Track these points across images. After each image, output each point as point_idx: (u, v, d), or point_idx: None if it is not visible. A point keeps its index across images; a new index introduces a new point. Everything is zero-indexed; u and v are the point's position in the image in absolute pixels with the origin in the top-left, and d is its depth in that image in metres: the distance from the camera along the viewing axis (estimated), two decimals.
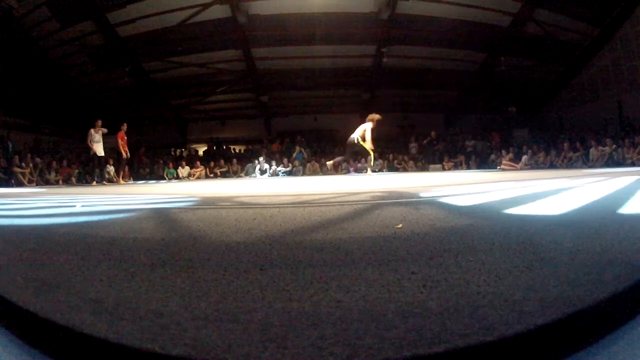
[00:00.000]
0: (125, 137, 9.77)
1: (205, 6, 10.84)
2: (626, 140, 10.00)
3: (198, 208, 2.50)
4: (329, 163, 9.47)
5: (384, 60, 13.17)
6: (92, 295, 0.70)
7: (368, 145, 7.48)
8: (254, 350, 0.47)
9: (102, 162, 9.58)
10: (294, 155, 14.35)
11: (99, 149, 9.13)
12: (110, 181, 10.25)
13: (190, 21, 11.27)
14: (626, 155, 9.67)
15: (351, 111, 15.64)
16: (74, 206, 2.85)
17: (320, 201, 2.69)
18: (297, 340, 0.49)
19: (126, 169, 11.54)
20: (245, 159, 14.37)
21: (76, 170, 11.65)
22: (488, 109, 15.91)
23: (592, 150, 10.47)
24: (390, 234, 1.21)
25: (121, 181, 9.94)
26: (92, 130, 9.07)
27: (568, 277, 0.69)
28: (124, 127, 9.74)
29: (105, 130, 9.19)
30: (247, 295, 0.68)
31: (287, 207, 2.28)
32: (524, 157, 11.36)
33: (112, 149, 10.52)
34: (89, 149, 9.29)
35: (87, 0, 10.37)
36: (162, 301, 0.66)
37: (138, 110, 15.55)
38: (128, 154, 10.07)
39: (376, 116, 7.63)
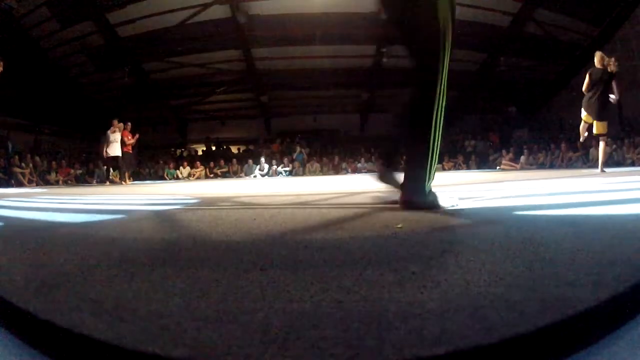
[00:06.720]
0: (130, 135, 9.76)
1: (205, 6, 10.86)
2: (626, 140, 10.00)
3: (198, 208, 2.50)
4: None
5: (384, 60, 13.18)
6: (92, 296, 0.70)
7: None
8: (254, 351, 0.47)
9: (125, 161, 9.52)
10: (294, 155, 14.37)
11: (115, 150, 9.11)
12: (112, 182, 10.18)
13: (190, 21, 11.29)
14: (626, 155, 9.68)
15: (351, 111, 15.63)
16: (74, 206, 2.84)
17: (321, 201, 2.69)
18: (297, 341, 0.49)
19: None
20: (246, 159, 14.40)
21: (77, 171, 11.65)
22: (488, 109, 15.92)
23: (592, 150, 10.46)
24: (390, 234, 1.21)
25: (127, 182, 9.66)
26: (108, 132, 9.09)
27: (568, 277, 0.69)
28: (129, 126, 9.73)
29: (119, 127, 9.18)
30: (247, 295, 0.67)
31: (287, 207, 2.28)
32: (522, 157, 11.39)
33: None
34: (104, 152, 9.21)
35: (87, 0, 10.38)
36: (162, 302, 0.66)
37: (138, 110, 15.56)
38: (136, 151, 10.04)
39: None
